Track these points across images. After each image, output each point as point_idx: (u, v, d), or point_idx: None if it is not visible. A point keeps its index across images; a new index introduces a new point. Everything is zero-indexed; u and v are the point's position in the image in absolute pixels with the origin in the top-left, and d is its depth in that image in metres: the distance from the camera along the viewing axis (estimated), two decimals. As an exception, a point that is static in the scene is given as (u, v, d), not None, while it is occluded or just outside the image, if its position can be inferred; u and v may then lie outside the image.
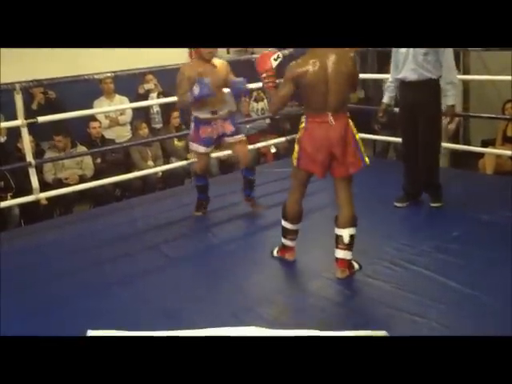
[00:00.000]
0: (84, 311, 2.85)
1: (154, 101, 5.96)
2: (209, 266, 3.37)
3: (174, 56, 6.55)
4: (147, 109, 6.21)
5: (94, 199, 5.20)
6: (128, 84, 5.84)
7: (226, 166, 6.17)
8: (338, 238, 3.01)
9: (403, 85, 3.89)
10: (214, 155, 5.31)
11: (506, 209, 3.75)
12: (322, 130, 2.87)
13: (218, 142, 4.06)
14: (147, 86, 6.18)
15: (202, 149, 3.96)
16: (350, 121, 2.94)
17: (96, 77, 4.85)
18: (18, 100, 4.03)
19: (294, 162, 3.03)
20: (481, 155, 5.30)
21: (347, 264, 3.04)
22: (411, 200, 4.02)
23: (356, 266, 3.12)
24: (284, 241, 3.27)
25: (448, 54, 3.70)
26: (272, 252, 3.38)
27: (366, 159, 2.96)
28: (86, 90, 5.57)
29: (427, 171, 3.92)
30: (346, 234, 2.97)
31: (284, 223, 3.21)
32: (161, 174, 5.59)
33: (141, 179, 5.37)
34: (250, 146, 5.72)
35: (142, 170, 5.35)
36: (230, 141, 3.98)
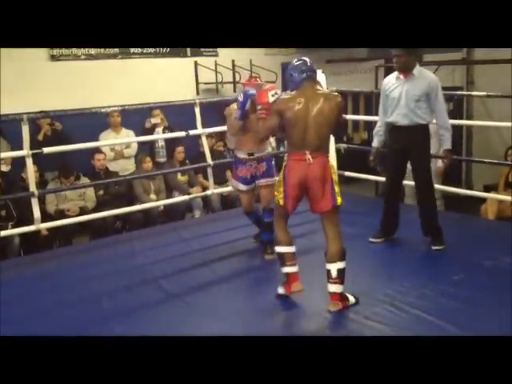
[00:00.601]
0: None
1: (159, 135, 6.03)
2: (206, 302, 3.33)
3: (180, 92, 6.69)
4: (152, 143, 6.27)
5: (94, 231, 5.19)
6: (133, 118, 5.91)
7: (227, 201, 6.18)
8: (328, 272, 3.07)
9: (394, 128, 3.96)
10: (216, 191, 5.35)
11: (507, 254, 3.72)
12: (301, 168, 3.00)
13: (253, 182, 4.03)
14: (154, 121, 6.26)
15: (241, 186, 4.05)
16: (328, 160, 3.07)
17: (103, 110, 4.91)
18: (25, 130, 4.08)
19: (281, 201, 3.10)
20: (483, 200, 5.31)
21: (338, 297, 3.08)
22: (386, 237, 4.12)
23: (352, 299, 3.14)
24: (285, 269, 3.18)
25: (439, 100, 3.82)
26: (277, 291, 3.29)
27: (339, 199, 3.03)
28: (92, 122, 5.65)
29: (427, 213, 3.94)
30: (333, 268, 3.05)
31: (279, 249, 3.20)
32: (162, 207, 5.60)
33: (142, 212, 5.38)
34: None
35: (144, 203, 5.36)
36: (259, 183, 4.00)
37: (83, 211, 5.22)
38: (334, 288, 3.07)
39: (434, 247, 3.90)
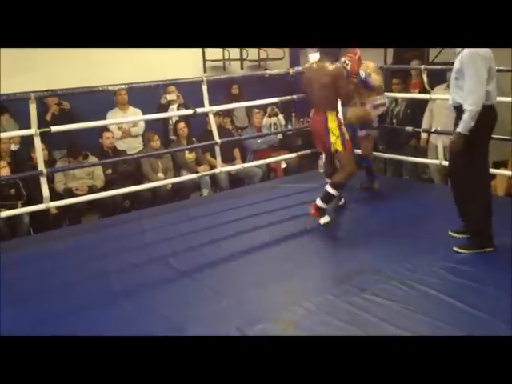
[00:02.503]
0: (90, 321, 2.84)
1: (164, 113, 6.00)
2: (215, 280, 3.35)
3: (187, 69, 6.65)
4: (166, 120, 6.26)
5: (103, 210, 5.21)
6: (141, 96, 5.88)
7: (235, 179, 6.18)
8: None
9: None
10: (223, 169, 5.34)
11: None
12: (311, 121, 4.19)
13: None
14: (169, 97, 6.24)
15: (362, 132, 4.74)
16: (328, 116, 3.92)
17: (110, 88, 4.89)
18: (32, 109, 4.07)
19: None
20: (492, 176, 5.25)
21: (315, 207, 3.96)
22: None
23: (325, 220, 3.98)
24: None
25: (467, 77, 3.30)
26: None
27: (332, 148, 3.95)
28: (99, 101, 5.63)
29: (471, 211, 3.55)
30: (325, 188, 3.97)
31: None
32: (171, 186, 5.61)
33: (150, 191, 5.39)
34: (261, 161, 5.77)
35: (153, 181, 5.37)
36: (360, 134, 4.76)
37: (92, 190, 5.24)
38: (317, 200, 3.98)
39: (455, 248, 3.54)
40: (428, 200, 4.71)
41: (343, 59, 4.16)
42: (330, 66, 3.90)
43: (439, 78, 5.66)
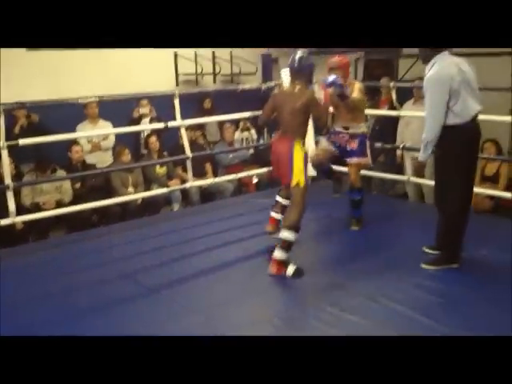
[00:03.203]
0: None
1: (135, 127, 5.96)
2: (185, 296, 3.32)
3: (160, 82, 6.63)
4: (137, 134, 6.21)
5: (71, 225, 5.13)
6: (112, 109, 5.83)
7: (206, 194, 6.16)
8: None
9: None
10: (195, 184, 5.32)
11: (483, 247, 3.79)
12: (274, 146, 3.73)
13: (340, 153, 4.37)
14: (142, 110, 6.21)
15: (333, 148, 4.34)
16: (294, 144, 3.51)
17: (80, 101, 4.84)
18: (0, 122, 4.00)
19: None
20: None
21: (276, 263, 3.50)
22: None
23: (290, 270, 3.47)
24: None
25: (427, 102, 3.33)
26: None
27: (294, 181, 3.50)
28: (69, 114, 5.56)
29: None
30: (281, 234, 3.52)
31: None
32: (141, 200, 5.55)
33: (120, 205, 5.33)
34: (232, 176, 5.77)
35: (122, 196, 5.31)
36: (350, 161, 4.34)
37: (59, 204, 5.15)
38: (275, 253, 3.51)
39: (422, 264, 3.57)
40: (397, 216, 4.77)
41: (330, 79, 3.90)
42: (303, 92, 3.54)
43: (409, 94, 5.79)
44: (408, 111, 5.52)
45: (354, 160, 4.30)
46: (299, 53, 3.62)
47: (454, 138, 3.29)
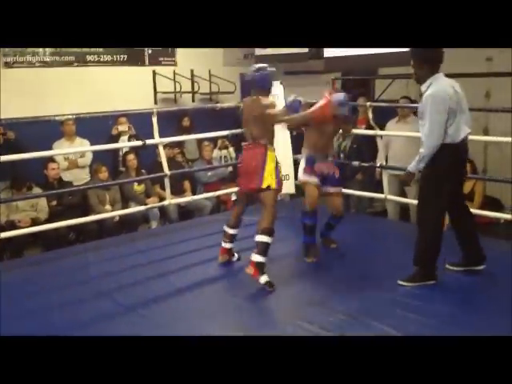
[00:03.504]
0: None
1: (112, 145, 5.93)
2: (162, 315, 3.28)
3: (138, 101, 6.63)
4: (115, 152, 6.18)
5: (47, 243, 5.05)
6: (90, 127, 5.80)
7: (185, 212, 6.14)
8: (225, 234, 4.00)
9: None
10: (173, 201, 5.30)
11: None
12: (244, 155, 3.83)
13: (323, 183, 4.17)
14: (121, 128, 6.19)
15: (315, 180, 4.11)
16: (267, 149, 3.70)
17: (57, 118, 4.81)
18: (-25, 139, 3.95)
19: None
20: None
21: (254, 265, 3.58)
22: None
23: (263, 279, 3.55)
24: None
25: (427, 120, 3.36)
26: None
27: (265, 183, 3.63)
28: (46, 131, 5.53)
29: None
30: (256, 239, 3.64)
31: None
32: (118, 218, 5.51)
33: (97, 223, 5.27)
34: (211, 194, 5.77)
35: (99, 213, 5.26)
36: (331, 190, 4.19)
37: (35, 222, 5.08)
38: (252, 256, 3.61)
39: (399, 281, 3.58)
40: (375, 234, 4.81)
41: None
42: (258, 102, 3.73)
43: (386, 114, 5.88)
44: (385, 132, 5.61)
45: (339, 188, 4.27)
46: (254, 66, 3.87)
47: (443, 157, 3.36)
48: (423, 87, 3.40)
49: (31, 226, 4.90)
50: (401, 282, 3.56)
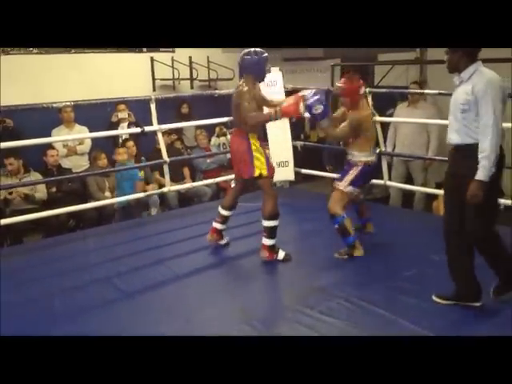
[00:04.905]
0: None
1: (112, 131, 5.91)
2: (161, 301, 3.30)
3: (136, 87, 6.60)
4: (115, 139, 6.16)
5: (47, 229, 5.06)
6: (88, 114, 5.78)
7: (185, 199, 6.14)
8: (218, 214, 3.99)
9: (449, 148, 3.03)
10: (172, 188, 5.30)
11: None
12: (231, 143, 3.89)
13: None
14: (121, 115, 6.16)
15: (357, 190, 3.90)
16: (249, 138, 3.66)
17: (55, 105, 4.78)
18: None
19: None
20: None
21: (267, 248, 3.76)
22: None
23: (281, 255, 3.77)
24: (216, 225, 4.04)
25: (483, 111, 2.76)
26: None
27: (256, 172, 3.65)
28: (44, 119, 5.51)
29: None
30: (263, 224, 3.74)
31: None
32: (117, 205, 5.50)
33: (96, 210, 5.27)
34: (210, 180, 5.77)
35: (99, 200, 5.25)
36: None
37: (29, 199, 5.10)
38: (263, 240, 3.77)
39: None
40: (374, 219, 4.80)
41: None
42: (240, 89, 3.66)
43: (386, 100, 5.89)
44: (400, 115, 5.73)
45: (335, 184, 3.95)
46: (244, 51, 3.73)
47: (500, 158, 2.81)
48: (464, 74, 2.84)
49: (25, 203, 4.91)
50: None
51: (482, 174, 2.75)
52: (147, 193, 5.40)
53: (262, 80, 3.79)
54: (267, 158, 3.72)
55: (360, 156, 3.86)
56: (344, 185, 3.86)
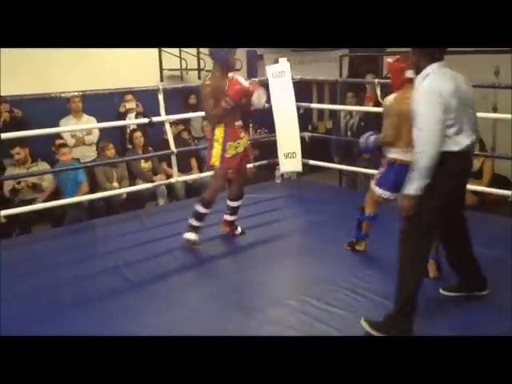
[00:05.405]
0: (40, 333, 2.74)
1: (119, 122, 5.92)
2: (169, 290, 3.31)
3: (144, 78, 6.59)
4: (123, 129, 6.17)
5: (55, 219, 5.08)
6: (96, 104, 5.79)
7: (192, 189, 6.15)
8: (227, 206, 4.10)
9: None
10: (180, 179, 5.31)
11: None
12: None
13: None
14: (128, 105, 6.16)
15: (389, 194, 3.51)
16: (215, 130, 3.77)
17: (63, 95, 4.79)
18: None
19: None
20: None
21: (227, 224, 4.09)
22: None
23: (239, 230, 4.10)
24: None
25: (418, 118, 2.57)
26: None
27: (212, 161, 3.80)
28: (53, 109, 5.51)
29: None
30: (229, 203, 4.06)
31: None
32: (125, 195, 5.52)
33: (104, 200, 5.29)
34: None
35: (107, 190, 5.27)
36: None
37: (36, 187, 5.14)
38: (225, 216, 4.09)
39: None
40: (380, 212, 4.79)
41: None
42: (207, 80, 3.76)
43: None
44: None
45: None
46: None
47: (445, 170, 2.60)
48: (419, 79, 2.66)
49: (33, 191, 4.98)
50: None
51: (410, 186, 2.58)
52: (155, 183, 5.41)
53: (231, 69, 3.73)
54: (224, 151, 3.77)
55: (391, 152, 3.42)
56: (373, 183, 3.57)
